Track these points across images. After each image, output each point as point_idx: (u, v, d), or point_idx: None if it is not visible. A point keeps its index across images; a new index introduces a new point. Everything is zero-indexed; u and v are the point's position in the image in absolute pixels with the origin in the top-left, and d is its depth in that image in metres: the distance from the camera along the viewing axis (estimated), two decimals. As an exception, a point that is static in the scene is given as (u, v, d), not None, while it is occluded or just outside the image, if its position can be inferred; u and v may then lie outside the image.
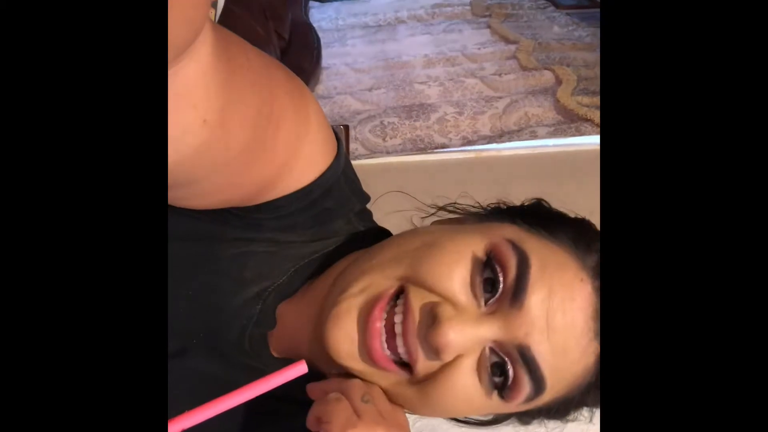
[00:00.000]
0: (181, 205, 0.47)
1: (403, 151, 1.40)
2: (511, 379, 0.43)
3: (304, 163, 0.47)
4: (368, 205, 0.56)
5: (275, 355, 0.51)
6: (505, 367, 0.43)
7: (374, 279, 0.45)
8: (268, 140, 0.42)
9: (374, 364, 0.43)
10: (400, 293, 0.44)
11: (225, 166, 0.41)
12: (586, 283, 0.44)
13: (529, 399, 0.44)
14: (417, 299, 0.43)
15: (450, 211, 0.56)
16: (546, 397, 0.45)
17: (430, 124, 1.43)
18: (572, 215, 0.51)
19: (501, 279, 0.43)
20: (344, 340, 0.43)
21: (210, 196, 0.45)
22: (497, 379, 0.44)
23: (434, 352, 0.42)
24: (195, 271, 0.50)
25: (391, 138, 1.40)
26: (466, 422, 0.53)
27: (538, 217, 0.49)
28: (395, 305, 0.44)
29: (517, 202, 0.53)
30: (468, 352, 0.43)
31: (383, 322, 0.43)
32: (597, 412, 0.49)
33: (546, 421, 0.50)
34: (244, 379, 0.39)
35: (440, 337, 0.41)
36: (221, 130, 0.38)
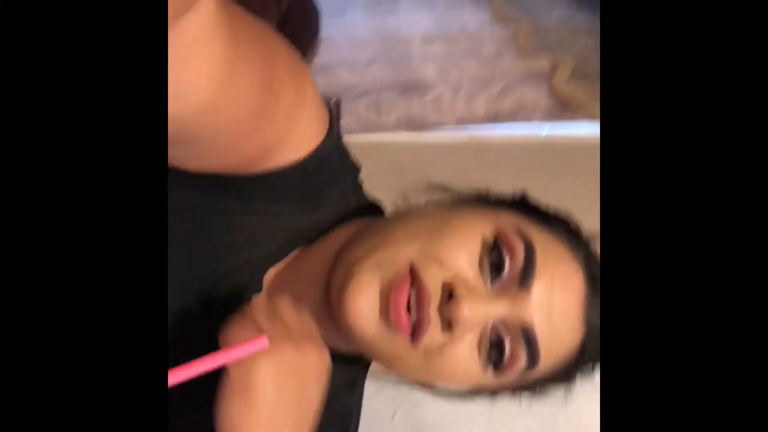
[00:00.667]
0: (177, 164, 0.47)
1: (396, 128, 1.40)
2: (508, 354, 0.47)
3: (300, 135, 0.49)
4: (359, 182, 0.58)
5: None
6: (502, 344, 0.47)
7: (389, 254, 0.47)
8: (269, 107, 0.44)
9: (395, 326, 0.45)
10: (414, 270, 0.47)
11: (228, 129, 0.43)
12: (579, 274, 0.49)
13: (520, 374, 0.48)
14: (430, 277, 0.46)
15: (445, 192, 0.58)
16: (534, 374, 0.49)
17: (425, 102, 1.43)
18: (559, 209, 0.54)
19: (508, 263, 0.47)
20: (363, 308, 0.46)
21: (208, 159, 0.47)
22: (495, 354, 0.47)
23: (449, 325, 0.45)
24: (184, 244, 0.51)
25: (385, 115, 1.40)
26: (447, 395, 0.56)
27: (533, 209, 0.53)
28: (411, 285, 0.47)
29: (506, 191, 0.56)
30: (475, 328, 0.46)
31: (406, 294, 0.46)
32: (571, 391, 0.54)
33: (520, 395, 0.54)
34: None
35: (458, 312, 0.44)
36: (226, 88, 0.39)
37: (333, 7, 1.92)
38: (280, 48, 0.46)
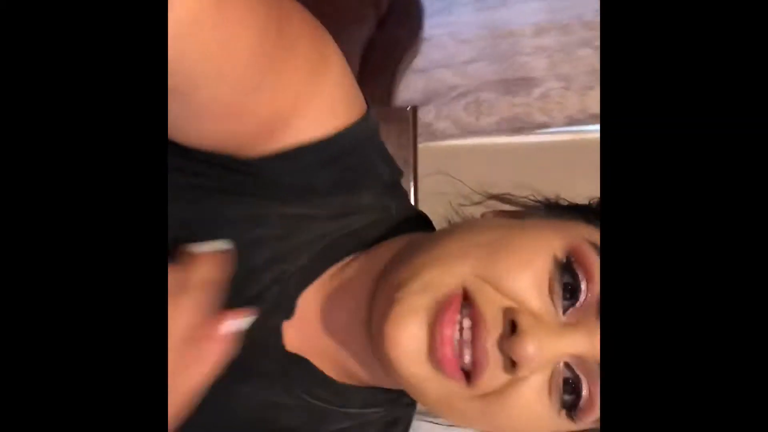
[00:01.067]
0: (178, 138, 0.42)
1: (497, 132, 1.28)
2: (585, 398, 0.40)
3: (321, 106, 0.43)
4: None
5: (288, 349, 0.46)
6: (578, 385, 0.40)
7: (436, 275, 0.40)
8: (278, 60, 0.39)
9: (443, 371, 0.39)
10: (468, 294, 0.40)
11: (228, 75, 0.38)
12: None
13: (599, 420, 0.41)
14: (488, 303, 0.39)
15: (507, 202, 0.51)
16: None
17: (531, 100, 1.29)
18: None
19: (584, 286, 0.40)
20: (408, 343, 0.39)
21: (210, 122, 0.41)
22: (567, 398, 0.40)
23: (512, 364, 0.38)
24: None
25: (486, 116, 1.29)
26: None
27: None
28: (463, 307, 0.40)
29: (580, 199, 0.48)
30: (545, 367, 0.39)
31: (456, 323, 0.39)
32: None
33: None
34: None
35: (522, 350, 0.37)
36: (218, 17, 0.35)
37: (439, 5, 1.84)
38: (298, 8, 0.42)
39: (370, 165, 0.47)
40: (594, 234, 0.42)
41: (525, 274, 0.39)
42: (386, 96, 1.27)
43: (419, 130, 1.44)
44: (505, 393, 0.39)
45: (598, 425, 0.42)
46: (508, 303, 0.39)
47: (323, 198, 0.46)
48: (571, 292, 0.40)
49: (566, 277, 0.40)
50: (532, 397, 0.39)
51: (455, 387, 0.40)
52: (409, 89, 1.46)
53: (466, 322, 0.39)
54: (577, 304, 0.40)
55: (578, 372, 0.40)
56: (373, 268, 0.46)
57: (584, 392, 0.40)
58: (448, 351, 0.38)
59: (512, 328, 0.38)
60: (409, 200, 0.54)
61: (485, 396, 0.40)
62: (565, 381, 0.40)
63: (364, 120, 0.45)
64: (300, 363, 0.47)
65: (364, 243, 0.47)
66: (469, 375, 0.39)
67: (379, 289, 0.43)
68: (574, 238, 0.41)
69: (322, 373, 0.47)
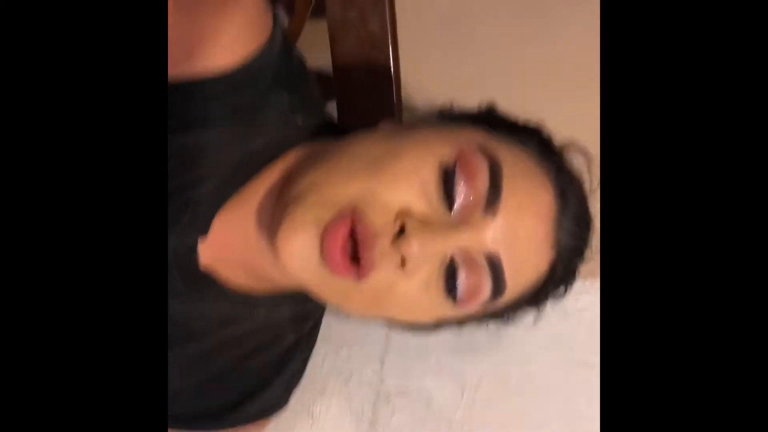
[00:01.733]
0: None
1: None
2: (470, 284, 0.44)
3: (227, 38, 0.44)
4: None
5: (203, 264, 0.49)
6: (455, 274, 0.43)
7: (330, 189, 0.43)
8: None
9: (334, 271, 0.42)
10: (356, 213, 0.42)
11: None
12: (549, 191, 0.45)
13: (485, 304, 0.45)
14: (376, 215, 0.42)
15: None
16: (501, 302, 0.46)
17: None
18: (529, 121, 0.49)
19: (470, 186, 0.43)
20: (299, 252, 0.42)
21: None
22: (451, 286, 0.44)
23: (402, 261, 0.42)
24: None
25: None
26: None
27: (501, 122, 0.48)
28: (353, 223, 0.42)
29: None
30: (431, 261, 0.43)
31: (345, 236, 0.41)
32: (539, 315, 0.50)
33: (487, 323, 0.51)
34: None
35: (408, 248, 0.41)
36: None
37: None
38: None
39: (269, 90, 0.48)
40: (481, 136, 0.45)
41: (410, 182, 0.42)
42: None
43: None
44: (394, 287, 0.43)
45: (484, 311, 0.47)
46: (397, 209, 0.42)
47: (221, 124, 0.47)
48: (454, 196, 0.42)
49: (451, 180, 0.42)
50: (420, 286, 0.43)
51: (347, 285, 0.43)
52: None
53: (359, 232, 0.41)
54: (465, 202, 0.42)
55: (457, 264, 0.43)
56: (277, 180, 0.48)
57: (461, 278, 0.43)
58: (336, 253, 0.41)
59: (401, 231, 0.41)
60: (320, 109, 0.54)
61: (376, 291, 0.43)
62: (446, 274, 0.43)
63: (268, 45, 0.46)
64: (206, 282, 0.49)
65: (268, 160, 0.49)
66: (360, 273, 0.42)
67: (278, 200, 0.46)
68: (462, 143, 0.43)
69: (228, 287, 0.50)
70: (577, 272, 0.49)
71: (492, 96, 0.66)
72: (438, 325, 0.49)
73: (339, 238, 0.41)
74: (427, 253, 0.41)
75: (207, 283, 0.50)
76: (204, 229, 0.48)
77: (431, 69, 0.87)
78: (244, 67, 0.45)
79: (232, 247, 0.49)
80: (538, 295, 0.48)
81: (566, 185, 0.45)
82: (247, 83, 0.46)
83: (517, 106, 0.60)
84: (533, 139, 0.47)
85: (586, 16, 0.77)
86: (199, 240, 0.49)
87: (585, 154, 0.49)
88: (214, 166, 0.48)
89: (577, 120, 0.63)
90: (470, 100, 0.56)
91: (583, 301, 0.64)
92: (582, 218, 0.46)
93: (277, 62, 0.48)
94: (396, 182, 0.42)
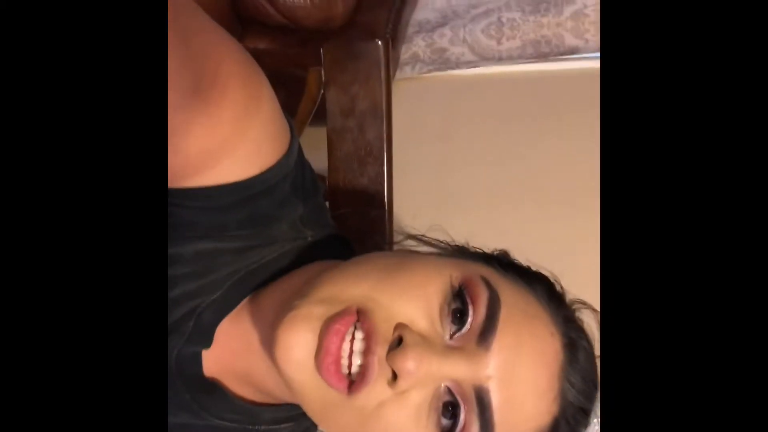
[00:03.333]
0: None
1: (520, 57, 1.12)
2: (461, 425, 0.41)
3: (248, 149, 0.44)
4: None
5: (207, 374, 0.49)
6: (457, 410, 0.41)
7: (335, 291, 0.42)
8: (212, 103, 0.40)
9: (324, 378, 0.40)
10: (362, 312, 0.41)
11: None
12: (555, 339, 0.43)
13: None
14: (380, 319, 0.40)
15: (423, 243, 0.54)
16: None
17: (561, 20, 1.12)
18: (543, 270, 0.49)
19: (471, 313, 0.42)
20: (297, 348, 0.40)
21: None
22: (445, 422, 0.41)
23: (393, 377, 0.40)
24: None
25: (508, 39, 1.12)
26: None
27: (512, 265, 0.48)
28: (357, 321, 0.41)
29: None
30: (424, 385, 0.41)
31: (345, 336, 0.40)
32: None
33: None
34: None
35: (404, 361, 0.39)
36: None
37: None
38: (232, 46, 0.43)
39: (285, 203, 0.49)
40: (487, 271, 0.44)
41: (416, 295, 0.41)
42: (395, 17, 1.12)
43: (433, 56, 1.29)
44: (385, 406, 0.40)
45: None
46: (399, 321, 0.41)
47: (236, 233, 0.48)
48: (459, 319, 0.42)
49: (456, 303, 0.42)
50: (410, 413, 0.40)
51: (337, 397, 0.41)
52: (426, 8, 1.30)
53: (359, 334, 0.40)
54: (464, 330, 0.41)
55: (458, 397, 0.41)
56: (284, 295, 0.47)
57: (461, 418, 0.41)
58: (330, 360, 0.39)
59: (399, 343, 0.40)
60: (328, 219, 0.54)
61: (364, 409, 0.40)
62: (445, 404, 0.41)
63: (287, 155, 0.47)
64: (212, 390, 0.49)
65: (276, 272, 0.49)
66: (351, 386, 0.40)
67: (284, 306, 0.45)
68: (467, 271, 0.43)
69: (233, 396, 0.49)
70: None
71: (479, 213, 0.69)
72: None
73: (337, 341, 0.39)
74: (420, 372, 0.39)
75: (211, 392, 0.49)
76: (207, 341, 0.48)
77: (420, 181, 0.90)
78: (263, 176, 0.46)
79: (235, 356, 0.49)
80: None
81: (575, 338, 0.44)
82: (265, 193, 0.47)
83: (500, 220, 0.62)
84: (542, 286, 0.46)
85: (578, 130, 0.80)
86: (203, 353, 0.48)
87: (596, 313, 0.48)
88: (224, 274, 0.48)
89: (559, 236, 0.65)
90: (455, 212, 0.58)
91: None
92: (590, 377, 0.44)
93: (294, 172, 0.49)
94: (403, 294, 0.41)
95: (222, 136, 0.42)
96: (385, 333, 0.40)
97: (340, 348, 0.39)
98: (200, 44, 0.39)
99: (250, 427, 0.50)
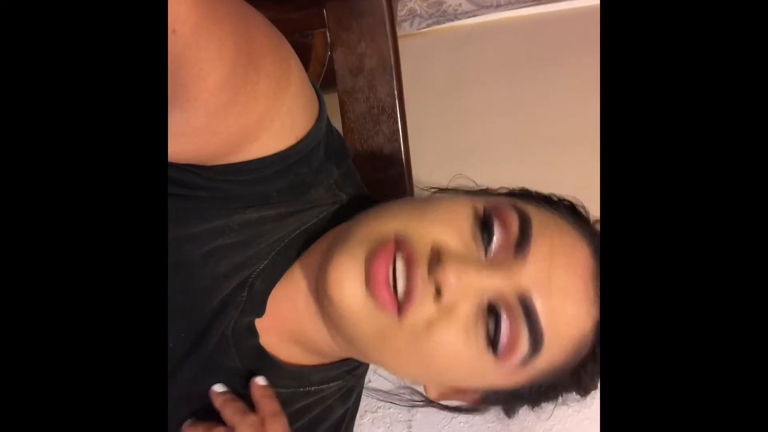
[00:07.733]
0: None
1: (518, 2, 1.10)
2: (508, 333, 0.43)
3: (284, 121, 0.45)
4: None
5: (262, 342, 0.51)
6: (499, 320, 0.43)
7: (373, 228, 0.45)
8: (248, 81, 0.41)
9: (377, 299, 0.42)
10: (400, 241, 0.44)
11: (202, 98, 0.39)
12: (585, 248, 0.45)
13: (525, 359, 0.44)
14: (418, 243, 0.43)
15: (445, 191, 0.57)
16: (541, 362, 0.44)
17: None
18: (565, 196, 0.51)
19: (503, 232, 0.44)
20: (347, 280, 0.43)
21: (183, 138, 0.42)
22: (492, 332, 0.43)
23: (437, 292, 0.42)
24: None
25: (504, -16, 1.10)
26: (452, 409, 0.53)
27: (535, 195, 0.51)
28: (397, 250, 0.44)
29: None
30: (467, 298, 0.43)
31: (390, 262, 0.43)
32: (589, 400, 0.47)
33: (532, 408, 0.49)
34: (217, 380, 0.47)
35: (445, 274, 0.41)
36: (195, 48, 0.36)
37: None
38: (259, 20, 0.43)
39: (322, 168, 0.51)
40: (515, 201, 0.47)
41: (446, 220, 0.44)
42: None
43: (430, 10, 1.27)
44: (434, 325, 0.42)
45: (527, 381, 0.46)
46: (434, 243, 0.43)
47: (277, 200, 0.50)
48: (489, 239, 0.44)
49: (485, 225, 0.45)
50: (458, 329, 0.42)
51: (388, 323, 0.42)
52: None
53: (400, 265, 0.43)
54: (495, 247, 0.44)
55: (502, 307, 0.43)
56: (325, 248, 0.48)
57: (506, 326, 0.43)
58: (381, 282, 0.41)
59: (438, 260, 0.42)
60: (358, 184, 0.57)
61: (414, 330, 0.42)
62: (490, 315, 0.43)
63: (318, 122, 0.48)
64: (264, 358, 0.51)
65: (318, 235, 0.52)
66: (400, 308, 0.42)
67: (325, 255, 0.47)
68: (496, 201, 0.46)
69: (283, 363, 0.52)
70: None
71: (492, 161, 0.70)
72: (484, 399, 0.49)
73: (385, 264, 0.42)
74: (462, 285, 0.42)
75: (264, 360, 0.51)
76: (261, 310, 0.50)
77: (434, 137, 0.90)
78: (299, 145, 0.47)
79: (284, 321, 0.51)
80: (583, 367, 0.46)
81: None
82: (302, 161, 0.48)
83: (517, 168, 0.62)
84: (566, 208, 0.49)
85: (582, 75, 0.79)
86: (256, 323, 0.50)
87: None
88: (270, 242, 0.50)
89: (576, 179, 0.65)
90: (471, 165, 0.59)
91: None
92: None
93: (326, 138, 0.50)
94: (435, 220, 0.44)
95: (259, 112, 0.43)
96: (424, 254, 0.43)
97: (387, 272, 0.42)
98: (232, 24, 0.40)
99: (302, 389, 0.53)
